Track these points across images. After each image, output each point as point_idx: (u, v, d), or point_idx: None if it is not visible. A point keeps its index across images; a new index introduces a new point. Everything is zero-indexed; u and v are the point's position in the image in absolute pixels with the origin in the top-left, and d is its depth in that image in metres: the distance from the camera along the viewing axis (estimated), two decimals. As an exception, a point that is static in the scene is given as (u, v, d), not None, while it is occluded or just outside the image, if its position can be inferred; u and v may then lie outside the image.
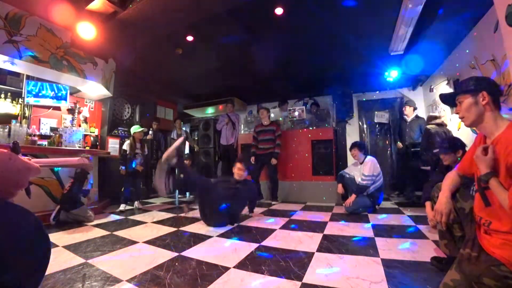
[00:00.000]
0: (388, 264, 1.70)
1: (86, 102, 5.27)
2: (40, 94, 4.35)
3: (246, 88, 6.71)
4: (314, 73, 5.82)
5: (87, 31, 3.36)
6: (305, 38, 4.22)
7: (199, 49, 4.46)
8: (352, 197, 3.57)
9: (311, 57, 4.95)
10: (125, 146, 4.20)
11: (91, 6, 3.20)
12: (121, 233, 2.67)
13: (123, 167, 4.10)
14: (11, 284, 0.47)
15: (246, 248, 2.15)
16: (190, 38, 4.06)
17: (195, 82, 6.22)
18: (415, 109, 4.67)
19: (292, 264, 1.77)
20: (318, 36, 4.12)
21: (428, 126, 3.92)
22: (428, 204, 1.86)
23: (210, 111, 7.69)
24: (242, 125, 6.09)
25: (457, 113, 1.35)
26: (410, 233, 2.49)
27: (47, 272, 1.61)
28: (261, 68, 5.47)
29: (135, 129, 4.27)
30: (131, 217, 3.47)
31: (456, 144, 2.21)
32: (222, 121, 5.88)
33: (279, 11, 3.40)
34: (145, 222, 3.15)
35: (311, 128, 5.04)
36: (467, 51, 3.75)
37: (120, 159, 4.23)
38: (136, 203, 4.26)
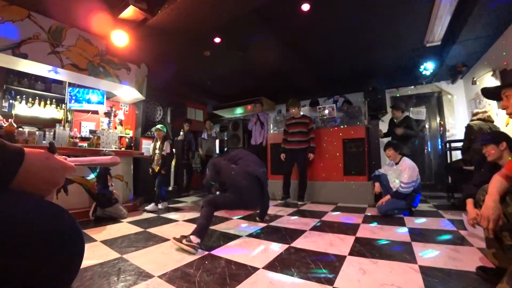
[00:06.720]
0: (426, 272, 1.58)
1: (121, 105, 5.58)
2: (80, 99, 4.69)
3: (274, 87, 6.68)
4: (343, 69, 5.65)
5: (120, 39, 3.57)
6: (332, 34, 4.11)
7: (227, 50, 4.52)
8: (387, 197, 3.39)
9: (340, 53, 4.80)
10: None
11: (123, 15, 3.37)
12: (153, 230, 2.78)
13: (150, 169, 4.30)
14: (48, 277, 0.50)
15: (276, 249, 2.13)
16: (217, 40, 4.14)
17: (224, 83, 6.31)
18: (403, 111, 4.77)
19: (323, 267, 1.71)
20: (347, 30, 3.98)
21: (471, 123, 3.60)
22: (469, 201, 1.68)
23: (239, 111, 7.77)
24: (271, 125, 5.97)
25: (503, 109, 1.20)
26: (451, 239, 2.29)
27: (86, 265, 1.72)
28: (289, 66, 5.41)
29: (153, 128, 4.28)
30: (163, 215, 3.60)
31: (497, 136, 1.88)
32: (251, 121, 5.89)
33: (305, 7, 3.34)
34: (176, 221, 3.25)
35: (342, 127, 4.86)
36: (516, 38, 3.39)
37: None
38: (159, 205, 4.06)
